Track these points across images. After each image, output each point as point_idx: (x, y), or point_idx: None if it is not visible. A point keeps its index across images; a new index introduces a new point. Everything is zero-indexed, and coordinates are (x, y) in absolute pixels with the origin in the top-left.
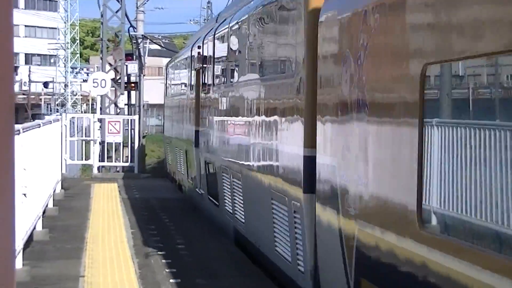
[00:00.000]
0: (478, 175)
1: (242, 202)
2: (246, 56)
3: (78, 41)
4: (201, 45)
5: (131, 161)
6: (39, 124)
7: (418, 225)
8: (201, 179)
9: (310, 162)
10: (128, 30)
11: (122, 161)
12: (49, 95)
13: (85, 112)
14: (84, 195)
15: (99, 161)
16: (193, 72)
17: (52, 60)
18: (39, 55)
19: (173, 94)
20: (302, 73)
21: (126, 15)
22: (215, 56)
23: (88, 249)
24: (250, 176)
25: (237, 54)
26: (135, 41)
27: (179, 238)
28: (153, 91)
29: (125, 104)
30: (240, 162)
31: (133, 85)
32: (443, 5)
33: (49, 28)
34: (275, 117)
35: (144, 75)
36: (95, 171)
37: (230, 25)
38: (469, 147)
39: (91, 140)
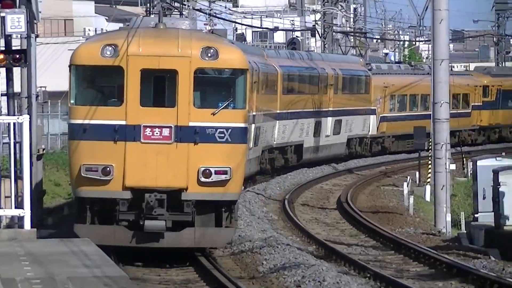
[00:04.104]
0: None
1: None
2: None
3: None
4: None
5: (17, 206)
6: None
7: None
8: None
9: None
10: None
11: (0, 207)
12: None
13: None
14: None
15: None
16: None
17: None
18: None
19: None
20: None
21: None
22: None
23: None
24: None
25: None
26: None
27: None
28: (55, 66)
29: (1, 94)
30: None
31: (17, 56)
32: None
33: None
34: None
35: (37, 35)
36: None
37: None
38: None
39: None
